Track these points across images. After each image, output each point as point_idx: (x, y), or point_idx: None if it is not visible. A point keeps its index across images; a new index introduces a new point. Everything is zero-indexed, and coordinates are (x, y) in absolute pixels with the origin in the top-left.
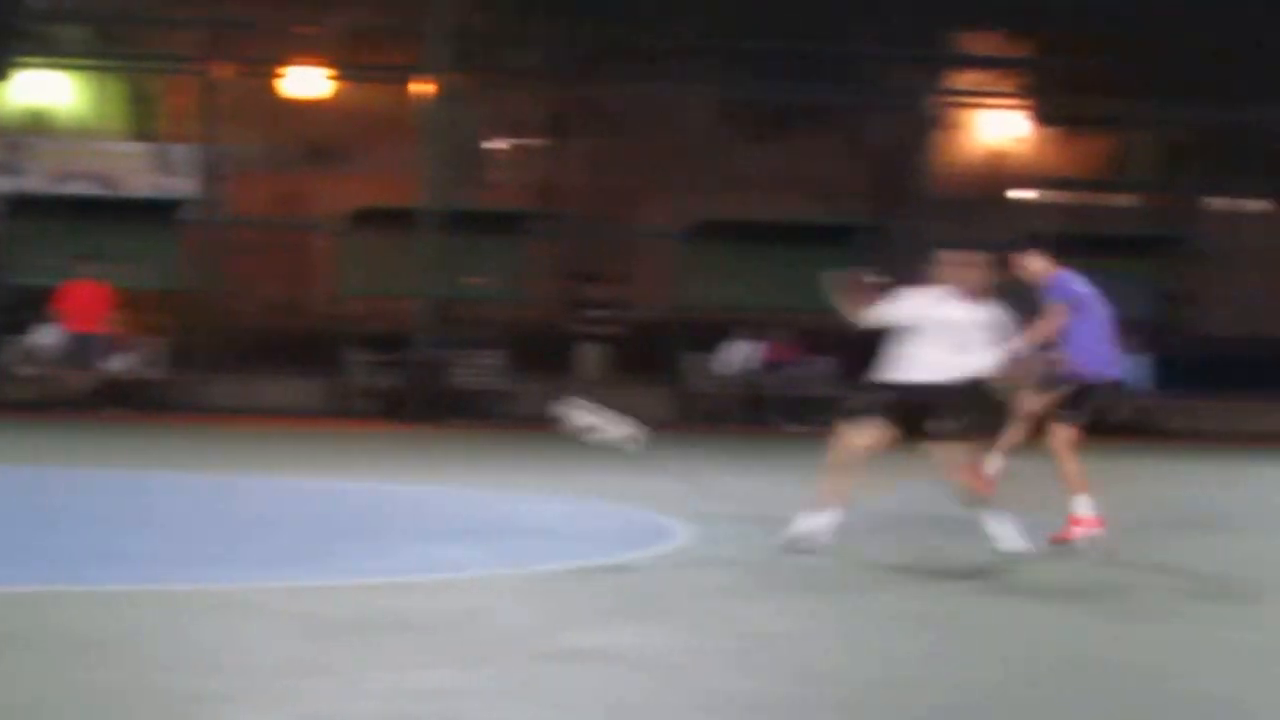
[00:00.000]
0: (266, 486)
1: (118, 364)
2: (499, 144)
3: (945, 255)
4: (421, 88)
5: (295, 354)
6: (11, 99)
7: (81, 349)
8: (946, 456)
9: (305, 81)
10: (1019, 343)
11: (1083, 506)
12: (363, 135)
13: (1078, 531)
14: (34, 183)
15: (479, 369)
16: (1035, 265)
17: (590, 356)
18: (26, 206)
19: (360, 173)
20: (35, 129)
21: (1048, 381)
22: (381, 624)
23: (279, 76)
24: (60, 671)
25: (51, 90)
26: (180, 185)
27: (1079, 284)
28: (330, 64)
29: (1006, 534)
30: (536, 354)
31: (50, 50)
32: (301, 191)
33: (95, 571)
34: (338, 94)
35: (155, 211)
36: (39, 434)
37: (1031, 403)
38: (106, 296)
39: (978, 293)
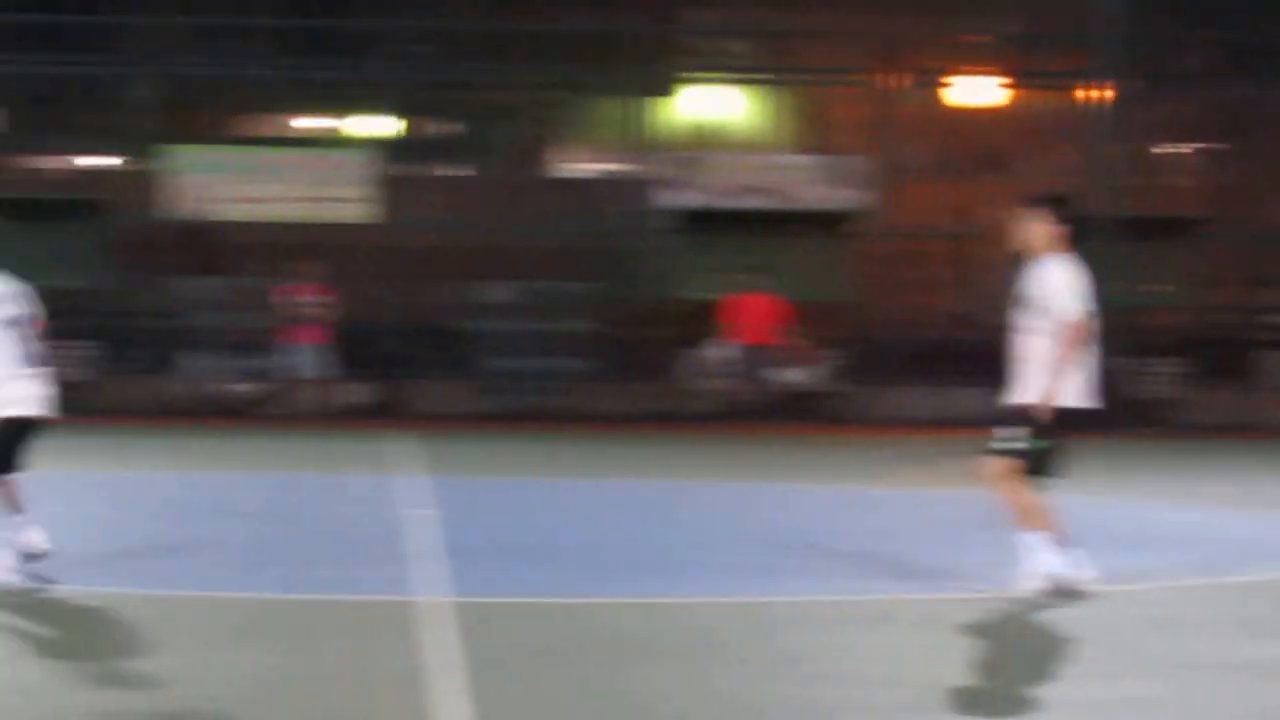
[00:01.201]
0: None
1: (792, 376)
2: (1168, 148)
3: None
4: (1088, 93)
5: (967, 365)
6: (680, 115)
7: (752, 361)
8: None
9: (972, 90)
10: None
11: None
12: (1027, 143)
13: None
14: (703, 198)
15: (1156, 377)
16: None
17: (1270, 363)
18: (696, 221)
19: (1024, 180)
20: (703, 144)
21: None
22: (1056, 634)
23: (946, 86)
24: (758, 682)
25: (719, 105)
26: (849, 197)
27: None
28: (997, 72)
29: None
30: (1212, 361)
31: (717, 65)
32: (968, 200)
33: (783, 584)
34: (1003, 102)
35: (823, 223)
36: (717, 447)
37: None
38: (779, 309)
39: None
